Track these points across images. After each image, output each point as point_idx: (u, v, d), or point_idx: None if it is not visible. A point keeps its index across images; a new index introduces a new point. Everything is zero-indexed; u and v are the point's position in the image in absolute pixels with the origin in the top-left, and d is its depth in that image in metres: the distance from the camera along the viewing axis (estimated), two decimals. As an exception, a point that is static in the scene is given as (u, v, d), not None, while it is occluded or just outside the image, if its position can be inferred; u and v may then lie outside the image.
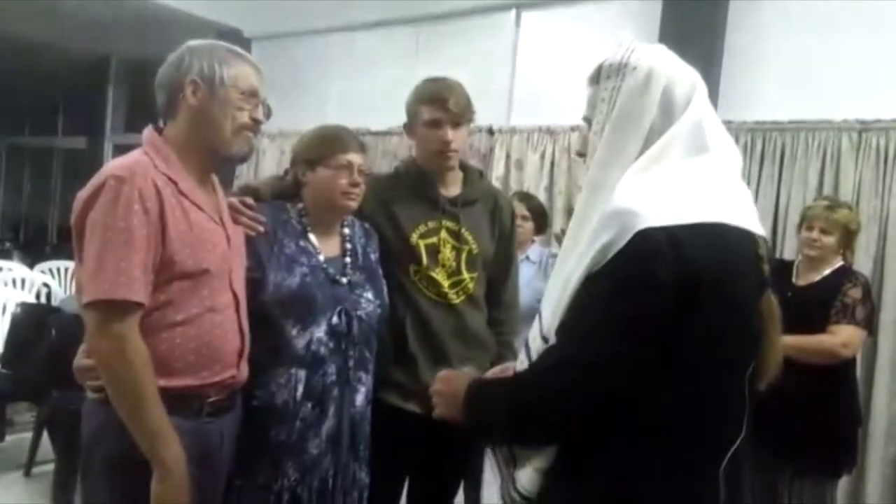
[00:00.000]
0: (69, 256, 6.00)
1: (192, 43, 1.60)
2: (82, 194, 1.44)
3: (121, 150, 7.23)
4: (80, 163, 7.66)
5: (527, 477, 1.24)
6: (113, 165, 1.45)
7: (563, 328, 1.16)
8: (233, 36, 5.58)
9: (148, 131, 1.57)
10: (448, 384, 1.34)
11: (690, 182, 1.16)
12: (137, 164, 1.45)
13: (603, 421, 1.14)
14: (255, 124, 1.59)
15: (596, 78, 1.26)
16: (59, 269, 5.75)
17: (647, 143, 1.19)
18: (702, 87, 1.24)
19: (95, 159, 7.31)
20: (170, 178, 1.49)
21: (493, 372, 1.46)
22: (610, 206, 1.13)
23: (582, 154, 1.31)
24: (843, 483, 3.00)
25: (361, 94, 5.34)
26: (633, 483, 1.15)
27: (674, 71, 1.22)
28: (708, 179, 1.18)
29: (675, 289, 1.07)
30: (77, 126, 7.98)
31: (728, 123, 3.73)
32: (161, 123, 1.61)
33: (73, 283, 5.70)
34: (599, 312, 1.11)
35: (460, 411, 1.27)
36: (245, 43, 5.58)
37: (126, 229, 1.38)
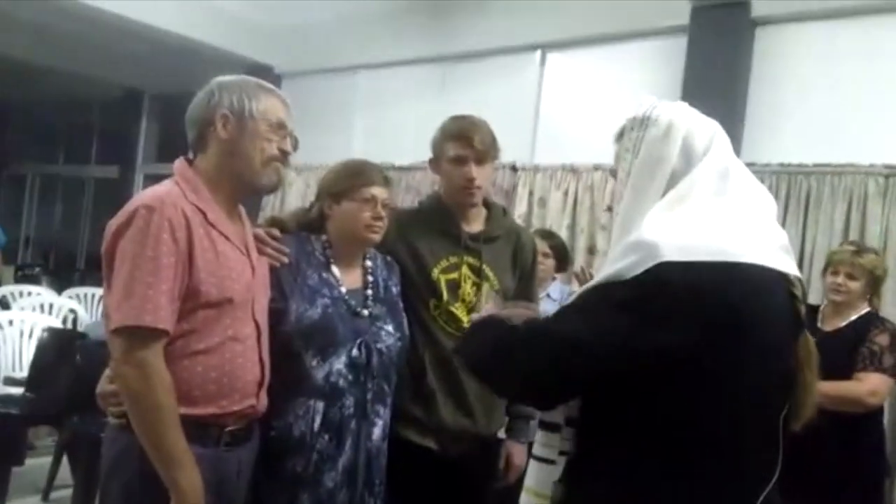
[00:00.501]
0: (97, 283, 6.12)
1: (222, 78, 1.65)
2: (113, 223, 1.47)
3: (151, 179, 7.41)
4: (111, 191, 7.83)
5: (524, 501, 1.29)
6: (144, 195, 1.49)
7: (558, 311, 1.23)
8: (264, 72, 5.71)
9: (179, 162, 1.61)
10: (494, 308, 1.43)
11: (715, 221, 1.18)
12: (168, 194, 1.49)
13: (599, 432, 1.18)
14: (284, 156, 1.62)
15: (620, 134, 1.32)
16: (86, 296, 5.83)
17: (670, 187, 1.22)
18: (722, 137, 1.28)
19: (126, 188, 7.47)
20: (199, 209, 1.53)
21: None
22: (633, 236, 1.16)
23: (612, 208, 1.34)
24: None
25: (387, 129, 5.42)
26: None
27: (693, 122, 1.27)
28: (733, 220, 1.19)
29: (683, 324, 1.09)
30: (109, 156, 8.16)
31: (751, 166, 3.72)
32: (191, 155, 1.64)
33: (101, 310, 5.80)
34: (597, 311, 1.15)
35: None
36: (275, 79, 5.70)
37: (155, 258, 1.41)
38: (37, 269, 7.38)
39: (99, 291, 5.89)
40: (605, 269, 1.19)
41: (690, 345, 1.09)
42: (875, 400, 2.49)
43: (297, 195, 5.69)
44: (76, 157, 8.82)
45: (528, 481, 1.30)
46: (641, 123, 1.27)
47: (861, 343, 2.53)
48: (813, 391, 1.26)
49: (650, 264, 1.11)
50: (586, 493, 1.21)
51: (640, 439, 1.15)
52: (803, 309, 1.24)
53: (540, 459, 1.29)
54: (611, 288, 1.15)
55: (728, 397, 1.13)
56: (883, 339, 2.53)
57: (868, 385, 2.48)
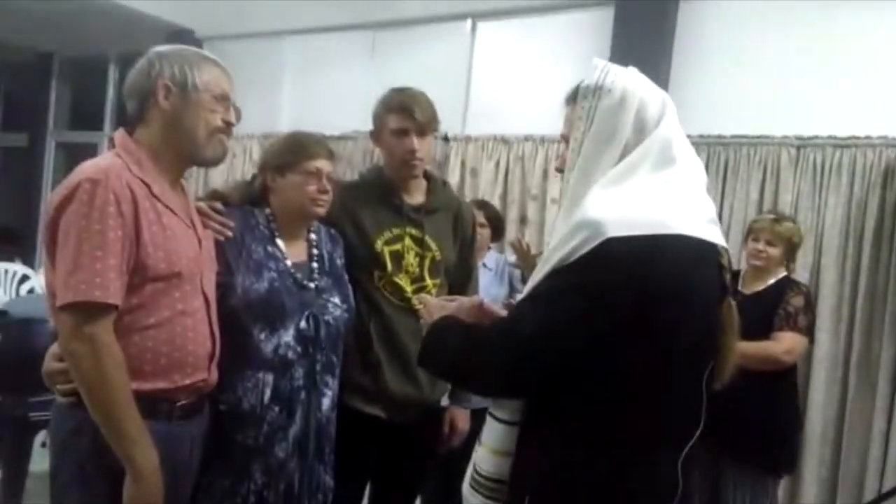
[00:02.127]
0: (8, 258, 5.84)
1: (161, 48, 1.61)
2: (55, 197, 1.43)
3: (64, 147, 7.06)
4: (21, 160, 7.41)
5: (482, 458, 1.35)
6: (86, 168, 1.45)
7: (515, 307, 1.29)
8: (184, 36, 5.51)
9: (120, 134, 1.57)
10: (430, 314, 1.43)
11: (656, 196, 1.25)
12: (111, 166, 1.45)
13: (548, 395, 1.24)
14: (228, 127, 1.60)
15: (573, 98, 1.34)
16: (-2, 271, 5.55)
17: (621, 159, 1.28)
18: (671, 107, 1.33)
19: (37, 157, 7.08)
20: (143, 181, 1.49)
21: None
22: (579, 215, 1.23)
23: (561, 170, 1.38)
24: (782, 484, 3.14)
25: (315, 98, 5.33)
26: (590, 466, 1.23)
27: (646, 92, 1.31)
28: (673, 193, 1.27)
29: (628, 294, 1.17)
30: (18, 122, 7.71)
31: (675, 136, 3.89)
32: (117, 125, 1.59)
33: (45, 287, 5.53)
34: (554, 300, 1.21)
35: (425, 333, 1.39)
36: (196, 43, 5.49)
37: (101, 232, 1.38)
38: (-59, 244, 6.97)
39: (12, 266, 5.63)
40: (555, 247, 1.25)
41: (633, 312, 1.18)
42: (790, 358, 2.66)
43: (223, 165, 5.54)
44: (-20, 125, 8.30)
45: (486, 439, 1.35)
46: (595, 92, 1.29)
47: (778, 305, 2.69)
48: (734, 352, 1.35)
49: (595, 243, 1.18)
50: (537, 452, 1.28)
51: (582, 398, 1.23)
52: (729, 277, 1.33)
53: (495, 419, 1.35)
54: (562, 274, 1.22)
55: (662, 358, 1.22)
56: (798, 301, 2.70)
57: (784, 344, 2.64)
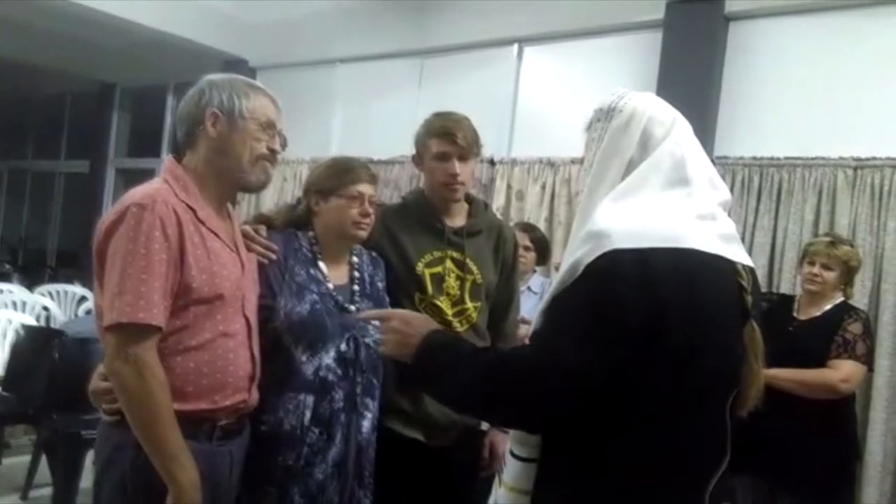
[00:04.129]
0: (68, 280, 6.07)
1: (212, 76, 1.66)
2: (104, 221, 1.48)
3: (123, 173, 7.31)
4: (82, 186, 7.71)
5: (503, 497, 1.32)
6: (135, 193, 1.49)
7: (534, 334, 1.25)
8: (238, 65, 5.68)
9: (168, 160, 1.62)
10: (408, 325, 1.33)
11: (667, 210, 1.23)
12: (158, 192, 1.50)
13: (566, 423, 1.19)
14: (272, 154, 1.64)
15: (589, 124, 1.36)
16: (58, 293, 5.76)
17: (627, 174, 1.27)
18: (682, 125, 1.32)
19: (97, 183, 7.37)
20: (189, 206, 1.54)
21: None
22: (587, 227, 1.21)
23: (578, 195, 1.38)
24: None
25: (364, 123, 5.42)
26: (610, 500, 1.18)
27: (655, 111, 1.31)
28: (684, 209, 1.23)
29: (638, 306, 1.13)
30: (80, 150, 8.04)
31: (725, 159, 3.83)
32: (172, 151, 1.64)
33: (75, 306, 5.72)
34: (565, 322, 1.18)
35: (411, 354, 1.29)
36: (250, 72, 5.67)
37: (147, 255, 1.42)
38: (7, 267, 7.27)
39: (71, 288, 5.84)
40: (565, 259, 1.24)
41: (643, 328, 1.13)
42: (848, 387, 2.56)
43: (272, 189, 5.67)
44: (46, 152, 8.67)
45: (508, 478, 1.33)
46: (607, 114, 1.31)
47: (835, 332, 2.60)
48: (759, 379, 1.29)
49: (600, 252, 1.15)
50: (556, 488, 1.25)
51: (599, 428, 1.18)
52: (750, 299, 1.28)
53: (516, 457, 1.32)
54: (570, 290, 1.19)
55: (681, 382, 1.17)
56: (856, 328, 2.60)
57: (841, 372, 2.55)
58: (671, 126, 1.30)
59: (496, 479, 1.40)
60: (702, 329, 1.18)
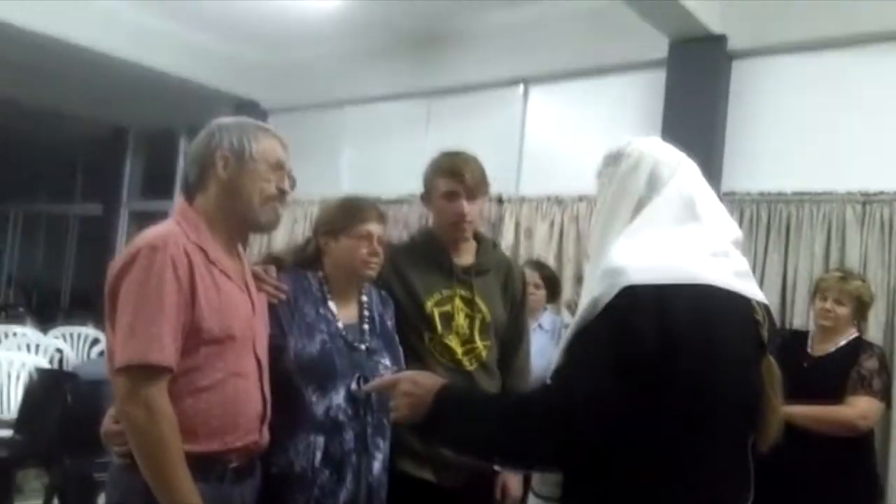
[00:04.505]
0: (81, 322, 6.09)
1: (222, 119, 1.69)
2: (116, 262, 1.50)
3: (136, 216, 7.39)
4: (96, 229, 7.79)
5: None
6: (146, 235, 1.52)
7: (556, 372, 1.26)
8: (250, 107, 5.76)
9: (179, 202, 1.64)
10: (417, 385, 1.31)
11: (681, 246, 1.25)
12: (170, 233, 1.52)
13: (587, 462, 1.19)
14: (282, 194, 1.66)
15: (599, 171, 1.42)
16: (72, 335, 5.78)
17: (636, 213, 1.31)
18: (688, 166, 1.36)
19: (111, 225, 7.44)
20: (200, 247, 1.55)
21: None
22: (603, 265, 1.23)
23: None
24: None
25: (373, 163, 5.47)
26: None
27: (661, 153, 1.36)
28: (697, 245, 1.26)
29: (656, 341, 1.14)
30: (93, 193, 8.14)
31: (732, 195, 3.83)
32: (184, 193, 1.67)
33: (90, 348, 5.74)
34: (585, 359, 1.20)
35: (426, 413, 1.27)
36: (262, 114, 5.76)
37: (158, 297, 1.44)
38: (20, 309, 7.32)
39: (84, 330, 5.86)
40: (582, 300, 1.26)
41: (659, 363, 1.14)
42: (866, 423, 2.53)
43: (283, 229, 5.71)
44: (60, 195, 8.79)
45: None
46: (616, 158, 1.37)
47: (850, 367, 2.58)
48: (778, 412, 1.30)
49: (618, 289, 1.17)
50: None
51: (620, 466, 1.18)
52: (766, 334, 1.29)
53: (538, 496, 1.31)
54: (589, 328, 1.20)
55: (699, 418, 1.18)
56: (872, 364, 2.58)
57: (859, 408, 2.52)
58: (677, 167, 1.34)
59: None
60: (718, 364, 1.19)
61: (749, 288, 1.28)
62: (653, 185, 1.31)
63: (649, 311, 1.15)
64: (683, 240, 1.26)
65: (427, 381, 1.33)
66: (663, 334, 1.15)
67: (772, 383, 1.30)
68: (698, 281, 1.20)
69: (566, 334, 1.29)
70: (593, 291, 1.21)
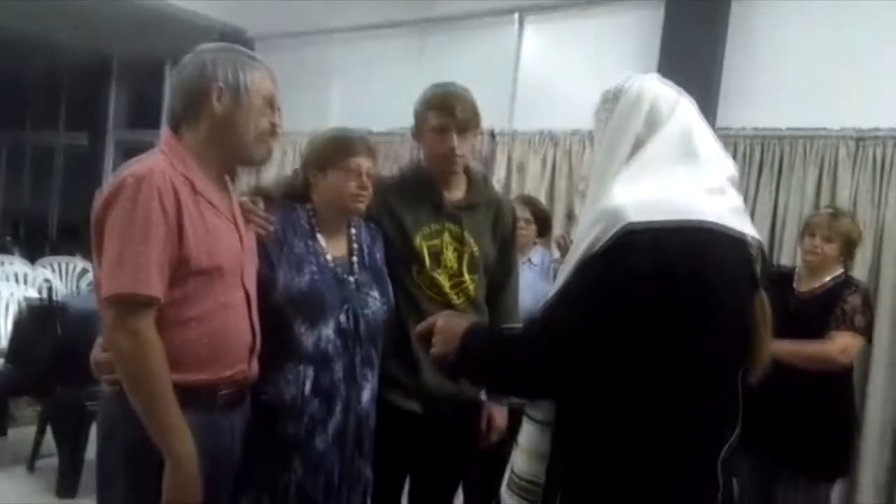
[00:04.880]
0: (69, 252, 6.07)
1: (209, 47, 1.63)
2: (102, 194, 1.47)
3: (122, 146, 7.28)
4: (82, 159, 7.68)
5: (518, 459, 1.36)
6: (132, 166, 1.49)
7: (548, 303, 1.28)
8: (236, 35, 5.62)
9: (165, 132, 1.61)
10: (449, 323, 1.39)
11: (677, 185, 1.25)
12: (156, 164, 1.49)
13: (581, 393, 1.23)
14: (275, 130, 1.63)
15: (597, 108, 1.39)
16: (60, 265, 5.77)
17: (635, 152, 1.30)
18: (687, 103, 1.35)
19: (97, 155, 7.35)
20: (186, 178, 1.53)
21: None
22: (600, 205, 1.24)
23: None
24: (837, 487, 3.05)
25: (363, 95, 5.38)
26: (622, 467, 1.22)
27: (660, 91, 1.35)
28: (694, 183, 1.26)
29: (653, 281, 1.16)
30: (79, 122, 8.00)
31: (726, 130, 3.80)
32: (170, 124, 1.62)
33: (80, 279, 5.73)
34: (579, 294, 1.22)
35: (455, 351, 1.34)
36: (248, 42, 5.60)
37: (144, 227, 1.42)
38: (7, 240, 7.28)
39: (73, 261, 5.85)
40: (579, 239, 1.26)
41: (659, 302, 1.16)
42: (845, 358, 2.56)
43: (273, 162, 5.65)
44: (44, 125, 8.63)
45: (525, 441, 1.35)
46: (615, 96, 1.36)
47: (835, 304, 2.60)
48: (768, 347, 1.33)
49: (616, 229, 1.18)
50: (571, 454, 1.28)
51: (613, 398, 1.21)
52: (759, 270, 1.31)
53: (532, 419, 1.34)
54: (587, 267, 1.21)
55: (694, 353, 1.20)
56: (855, 300, 2.60)
57: (839, 344, 2.55)
58: (676, 104, 1.33)
59: (514, 445, 1.42)
60: (713, 301, 1.21)
61: (743, 225, 1.29)
62: (651, 123, 1.31)
63: (646, 252, 1.16)
64: (680, 178, 1.26)
65: (458, 320, 1.40)
66: (660, 274, 1.16)
67: (763, 319, 1.32)
68: (694, 219, 1.21)
69: (561, 274, 1.30)
70: (591, 231, 1.21)
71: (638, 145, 1.30)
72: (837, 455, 2.66)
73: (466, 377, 1.54)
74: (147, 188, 1.43)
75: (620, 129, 1.32)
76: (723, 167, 1.33)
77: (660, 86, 1.35)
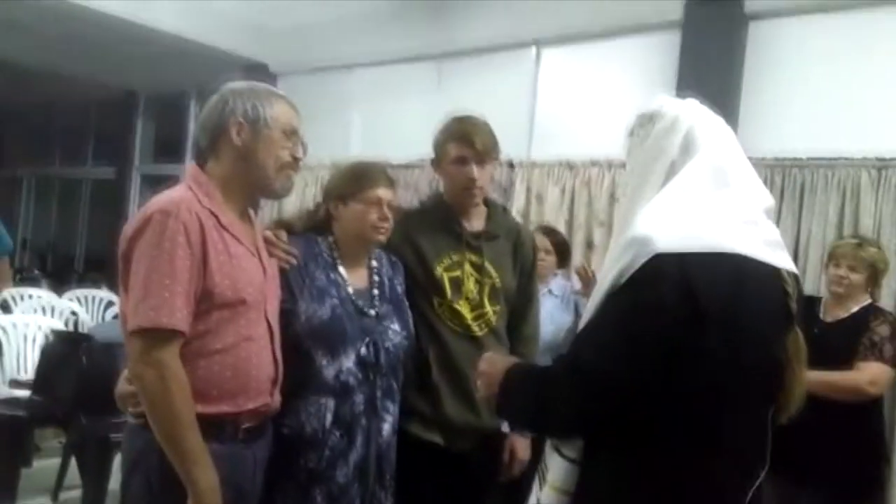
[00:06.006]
0: (95, 284, 6.15)
1: (233, 84, 1.68)
2: (129, 227, 1.51)
3: (148, 179, 7.41)
4: (109, 192, 7.82)
5: (546, 497, 1.32)
6: (159, 200, 1.52)
7: (578, 339, 1.26)
8: (259, 70, 5.73)
9: (191, 167, 1.65)
10: (492, 365, 1.38)
11: (709, 214, 1.22)
12: (182, 198, 1.52)
13: (609, 430, 1.20)
14: (296, 162, 1.66)
15: (631, 129, 1.37)
16: (86, 297, 5.85)
17: (669, 178, 1.27)
18: (724, 130, 1.32)
19: (123, 189, 7.47)
20: (212, 212, 1.56)
21: None
22: (629, 232, 1.21)
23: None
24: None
25: (384, 127, 5.44)
26: None
27: (698, 117, 1.31)
28: (728, 213, 1.23)
29: (682, 311, 1.13)
30: (106, 157, 8.16)
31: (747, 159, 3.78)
32: (195, 158, 1.67)
33: (104, 311, 5.80)
34: (609, 328, 1.19)
35: (496, 394, 1.33)
36: (271, 77, 5.72)
37: (171, 261, 1.45)
38: (36, 272, 7.40)
39: (99, 293, 5.93)
40: (608, 267, 1.24)
41: (685, 333, 1.13)
42: (875, 389, 2.52)
43: (294, 194, 5.66)
44: (72, 159, 8.81)
45: (553, 478, 1.33)
46: (651, 118, 1.33)
47: (862, 333, 2.57)
48: (802, 385, 1.29)
49: (645, 259, 1.15)
50: (596, 492, 1.26)
51: (641, 434, 1.18)
52: (794, 305, 1.27)
53: (563, 457, 1.32)
54: (614, 297, 1.20)
55: (722, 388, 1.17)
56: (884, 330, 2.56)
57: (868, 374, 2.51)
58: (713, 131, 1.30)
59: (536, 480, 1.40)
60: (742, 335, 1.17)
61: (779, 257, 1.25)
62: (687, 148, 1.27)
63: (675, 283, 1.13)
64: (713, 207, 1.22)
65: (500, 362, 1.39)
66: (688, 306, 1.13)
67: (798, 355, 1.28)
68: (726, 250, 1.18)
69: (591, 302, 1.28)
70: (620, 260, 1.19)
71: (672, 171, 1.27)
72: (868, 487, 2.61)
73: (508, 419, 1.56)
74: (173, 222, 1.47)
75: (656, 152, 1.29)
76: (758, 198, 1.29)
77: (698, 110, 1.33)
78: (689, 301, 1.13)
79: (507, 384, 1.31)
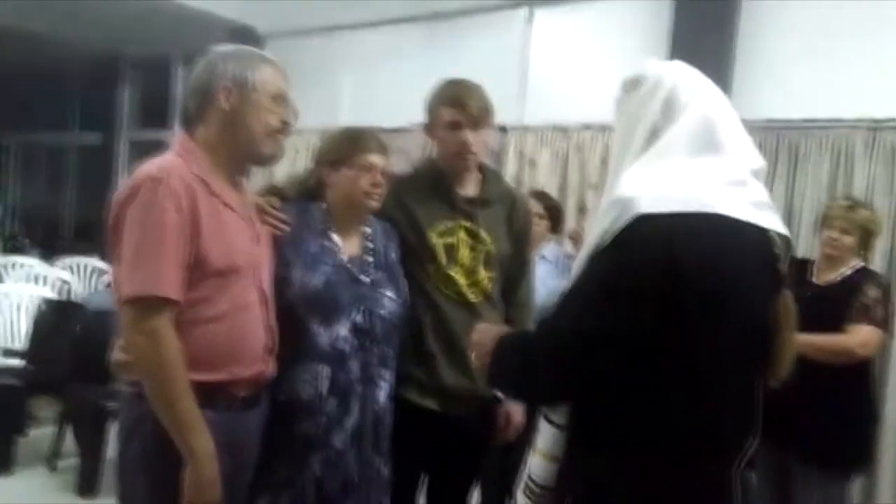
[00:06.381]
0: (85, 252, 6.11)
1: (221, 48, 1.65)
2: (118, 195, 1.49)
3: (135, 145, 7.31)
4: (95, 158, 7.72)
5: (535, 464, 1.32)
6: (148, 167, 1.50)
7: (561, 300, 1.25)
8: (246, 33, 5.62)
9: (180, 133, 1.62)
10: (483, 335, 1.40)
11: (694, 175, 1.21)
12: (172, 165, 1.50)
13: (589, 394, 1.21)
14: (285, 126, 1.63)
15: (617, 98, 1.36)
16: (77, 265, 5.82)
17: (650, 141, 1.26)
18: (711, 91, 1.30)
19: (110, 155, 7.38)
20: (202, 179, 1.54)
21: None
22: (612, 194, 1.21)
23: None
24: (857, 482, 3.02)
25: (373, 91, 5.37)
26: (635, 472, 1.19)
27: (681, 78, 1.30)
28: (713, 175, 1.22)
29: (664, 274, 1.12)
30: (91, 123, 8.04)
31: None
32: (183, 124, 1.64)
33: (96, 279, 5.78)
34: (591, 287, 1.19)
35: (488, 365, 1.35)
36: (258, 40, 5.62)
37: (161, 229, 1.43)
38: (23, 240, 7.34)
39: (90, 261, 5.89)
40: (592, 228, 1.24)
41: (668, 296, 1.13)
42: (865, 351, 2.54)
43: (284, 160, 5.62)
44: (58, 126, 8.68)
45: (541, 444, 1.34)
46: (635, 83, 1.31)
47: (854, 296, 2.58)
48: (791, 350, 1.28)
49: (627, 219, 1.15)
50: (581, 458, 1.26)
51: (626, 399, 1.18)
52: (784, 266, 1.26)
53: (551, 423, 1.32)
54: (596, 260, 1.19)
55: (708, 352, 1.17)
56: (874, 293, 2.57)
57: (859, 336, 2.52)
58: (698, 92, 1.28)
59: (528, 447, 1.41)
60: (726, 296, 1.16)
61: (767, 218, 1.24)
62: (668, 111, 1.25)
63: (657, 243, 1.13)
64: (699, 168, 1.21)
65: (490, 332, 1.40)
66: (671, 267, 1.12)
67: (787, 318, 1.27)
68: (709, 210, 1.16)
69: (575, 266, 1.28)
70: (602, 222, 1.19)
71: (654, 134, 1.25)
72: (857, 449, 2.63)
73: (500, 389, 1.56)
74: (163, 189, 1.45)
75: (636, 117, 1.28)
76: (747, 159, 1.27)
77: (681, 73, 1.30)
78: (670, 261, 1.12)
79: (497, 354, 1.33)
